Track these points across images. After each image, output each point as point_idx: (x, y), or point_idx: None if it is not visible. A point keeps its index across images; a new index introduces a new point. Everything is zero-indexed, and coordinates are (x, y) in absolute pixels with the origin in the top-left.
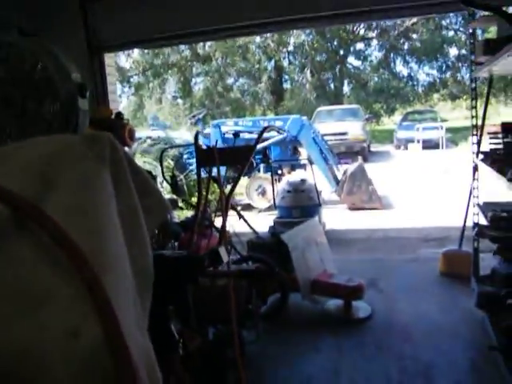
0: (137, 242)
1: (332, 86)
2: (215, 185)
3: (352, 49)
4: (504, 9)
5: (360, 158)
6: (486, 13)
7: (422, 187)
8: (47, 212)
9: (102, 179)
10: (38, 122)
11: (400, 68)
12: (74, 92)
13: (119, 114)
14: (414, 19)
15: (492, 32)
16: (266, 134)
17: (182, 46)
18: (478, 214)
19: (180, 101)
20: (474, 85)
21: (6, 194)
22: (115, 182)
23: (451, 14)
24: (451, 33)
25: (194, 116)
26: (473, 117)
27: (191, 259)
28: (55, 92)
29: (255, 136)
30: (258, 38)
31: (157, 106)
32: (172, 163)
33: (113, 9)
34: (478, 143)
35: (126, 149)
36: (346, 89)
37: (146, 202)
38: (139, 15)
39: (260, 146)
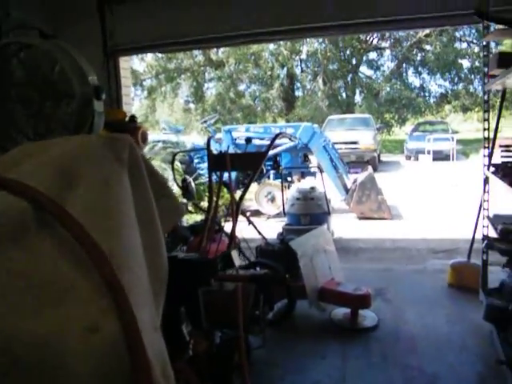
0: (153, 242)
1: (344, 94)
2: (225, 190)
3: (364, 58)
4: None
5: (370, 167)
6: (501, 26)
7: (432, 198)
8: (68, 210)
9: (121, 180)
10: (54, 122)
11: (412, 79)
12: (90, 94)
13: (133, 117)
14: (427, 30)
15: (507, 44)
16: (276, 141)
17: (196, 52)
18: (487, 227)
19: (192, 105)
20: (486, 97)
21: (30, 192)
22: (133, 184)
23: (465, 27)
24: (464, 45)
25: (205, 121)
26: (485, 129)
27: (205, 262)
28: (72, 93)
29: (266, 142)
30: (271, 46)
31: (169, 110)
32: (181, 167)
33: (129, 13)
34: (490, 156)
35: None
36: (357, 98)
37: (161, 204)
38: (155, 20)
39: (271, 152)
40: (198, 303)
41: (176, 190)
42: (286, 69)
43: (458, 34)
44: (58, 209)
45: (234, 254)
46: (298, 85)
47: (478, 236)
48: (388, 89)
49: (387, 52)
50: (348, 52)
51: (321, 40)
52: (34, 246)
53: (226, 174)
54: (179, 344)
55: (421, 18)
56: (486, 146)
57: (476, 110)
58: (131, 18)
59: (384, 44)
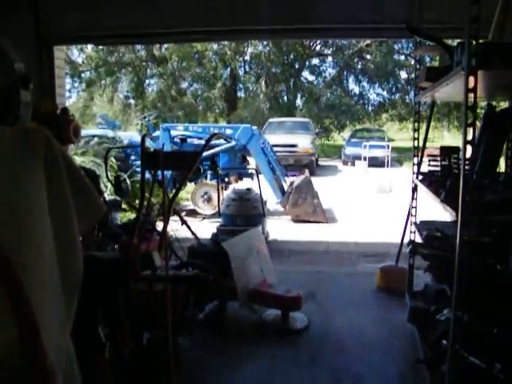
0: (66, 241)
1: (285, 98)
2: (160, 188)
3: (307, 63)
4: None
5: (307, 171)
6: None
7: (366, 203)
8: None
9: (33, 174)
10: None
11: (352, 86)
12: (16, 83)
13: (65, 110)
14: (368, 41)
15: (436, 60)
16: (216, 142)
17: (138, 46)
18: (414, 232)
19: (132, 101)
20: (417, 108)
21: None
22: (49, 179)
23: (403, 40)
24: (402, 57)
25: (144, 117)
26: (415, 139)
27: (122, 262)
28: None
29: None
30: (215, 45)
31: (108, 105)
32: (116, 163)
33: (65, 0)
34: (419, 164)
35: (71, 146)
36: (298, 102)
37: (80, 202)
38: (93, 10)
39: (208, 152)
40: (117, 304)
41: (110, 187)
42: (229, 69)
43: (396, 47)
44: None
45: (155, 254)
46: (241, 86)
47: (407, 241)
48: (329, 95)
49: (329, 59)
50: (291, 56)
51: (265, 43)
52: None
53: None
54: (95, 346)
55: (356, 29)
56: (416, 154)
57: (411, 119)
58: (67, 6)
59: (327, 51)
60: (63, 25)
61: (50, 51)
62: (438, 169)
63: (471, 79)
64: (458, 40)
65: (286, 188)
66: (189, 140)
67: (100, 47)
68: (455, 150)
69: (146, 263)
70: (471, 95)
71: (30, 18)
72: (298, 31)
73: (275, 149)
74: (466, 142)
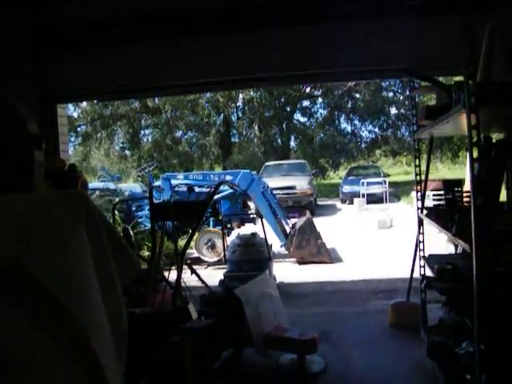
0: (112, 300)
1: (279, 141)
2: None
3: (299, 105)
4: (442, 79)
5: (308, 212)
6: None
7: (369, 240)
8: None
9: (80, 238)
10: None
11: (344, 125)
12: (30, 144)
13: (73, 166)
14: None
15: (427, 97)
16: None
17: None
18: (424, 267)
19: (128, 152)
20: (417, 145)
21: None
22: (90, 239)
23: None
24: (391, 94)
25: (143, 168)
26: (417, 174)
27: (162, 318)
28: (11, 145)
29: (205, 190)
30: (208, 93)
31: (104, 157)
32: (119, 215)
33: (67, 59)
34: (422, 199)
35: None
36: (292, 144)
37: (119, 259)
38: (92, 68)
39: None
40: (154, 360)
41: None
42: (222, 116)
43: (384, 84)
44: (21, 273)
45: (191, 307)
46: (235, 131)
47: (416, 275)
48: (322, 135)
49: (320, 100)
50: (282, 99)
51: (256, 89)
52: None
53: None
54: None
55: (353, 72)
56: (418, 189)
57: (404, 153)
58: (69, 66)
59: (316, 92)
60: (65, 83)
61: (54, 109)
62: (442, 202)
63: (473, 117)
64: (456, 78)
65: (288, 230)
66: None
67: (95, 101)
68: (458, 183)
69: (182, 317)
70: (474, 131)
71: (32, 77)
72: (299, 77)
73: (274, 192)
74: (473, 176)
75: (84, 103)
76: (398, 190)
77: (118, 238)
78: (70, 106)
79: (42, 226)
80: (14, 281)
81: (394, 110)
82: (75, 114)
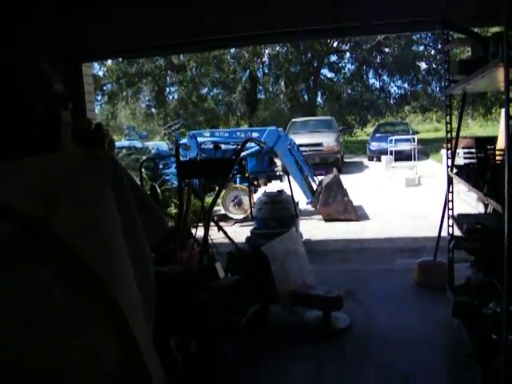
0: (140, 259)
1: (306, 97)
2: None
3: (326, 61)
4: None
5: (335, 169)
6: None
7: (396, 198)
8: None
9: (107, 198)
10: (17, 134)
11: (372, 80)
12: (56, 104)
13: (99, 125)
14: None
15: (458, 52)
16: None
17: None
18: (452, 226)
19: (154, 110)
20: (448, 102)
21: (16, 214)
22: (117, 199)
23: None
24: (421, 48)
25: (169, 126)
26: (447, 132)
27: (190, 277)
28: (38, 105)
29: (231, 147)
30: (232, 49)
31: (130, 116)
32: (146, 173)
33: (92, 18)
34: (453, 157)
35: None
36: (319, 100)
37: (144, 218)
38: (117, 25)
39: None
40: (182, 318)
41: None
42: (248, 72)
43: (414, 37)
44: (47, 231)
45: (218, 266)
46: (261, 88)
47: (443, 234)
48: (349, 91)
49: (347, 55)
50: (309, 55)
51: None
52: (24, 272)
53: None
54: (168, 360)
55: (382, 25)
56: (449, 147)
57: (434, 110)
58: (94, 23)
59: (344, 47)
60: (89, 41)
61: (79, 68)
62: (473, 161)
63: (511, 71)
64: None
65: (314, 187)
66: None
67: (120, 59)
68: (491, 140)
69: (210, 275)
70: None
71: (57, 36)
72: (332, 31)
73: (300, 149)
74: (509, 134)
75: (109, 62)
76: (427, 148)
77: (145, 197)
78: (96, 65)
79: (69, 186)
80: (41, 240)
81: (424, 65)
82: (101, 73)
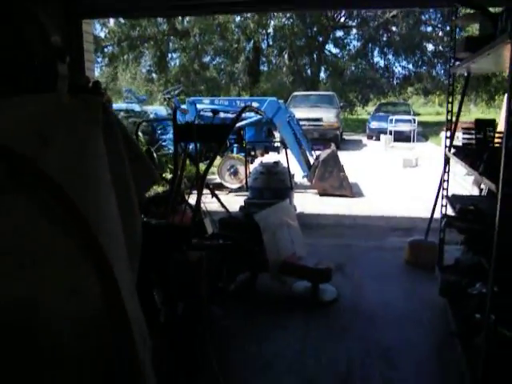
0: (127, 206)
1: (309, 71)
2: (188, 162)
3: (331, 36)
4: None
5: (333, 144)
6: (468, 11)
7: (392, 177)
8: (44, 170)
9: (96, 142)
10: (12, 84)
11: (377, 59)
12: (53, 56)
13: (97, 83)
14: (395, 11)
15: (469, 31)
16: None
17: (160, 20)
18: (446, 206)
19: (155, 75)
20: (451, 80)
21: (5, 151)
22: (107, 146)
23: (431, 10)
24: (429, 29)
25: (169, 92)
26: (448, 111)
27: (178, 228)
28: (33, 54)
29: (231, 115)
30: (237, 18)
31: (131, 79)
32: (143, 137)
33: None
34: (451, 137)
35: None
36: (322, 75)
37: (134, 167)
38: None
39: (235, 125)
40: (167, 270)
41: None
42: (252, 42)
43: (423, 17)
44: (35, 169)
45: (207, 221)
46: (264, 59)
47: (436, 216)
48: (353, 68)
49: (354, 31)
50: (315, 29)
51: (288, 15)
52: (11, 207)
53: (190, 146)
54: (151, 310)
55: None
56: (449, 127)
57: (437, 93)
58: None
59: (351, 23)
60: None
61: (79, 25)
62: (472, 142)
63: None
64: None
65: (311, 162)
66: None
67: (122, 21)
68: (491, 122)
69: (198, 230)
70: None
71: None
72: (332, 2)
73: (300, 123)
74: (510, 114)
75: (111, 23)
76: (427, 131)
77: (137, 147)
78: (97, 26)
79: (58, 126)
80: (27, 177)
81: (430, 47)
82: (102, 35)
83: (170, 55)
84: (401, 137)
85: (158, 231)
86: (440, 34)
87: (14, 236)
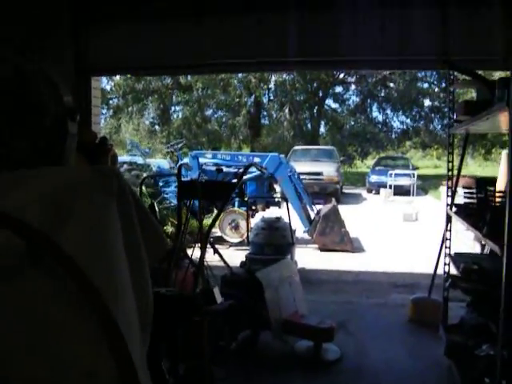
0: (140, 278)
1: (309, 125)
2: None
3: (331, 91)
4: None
5: (333, 199)
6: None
7: (392, 232)
8: (61, 246)
9: (112, 214)
10: (23, 140)
11: (376, 114)
12: (65, 116)
13: (104, 139)
14: None
15: (463, 91)
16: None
17: None
18: (448, 264)
19: (157, 128)
20: (451, 140)
21: (21, 227)
22: (121, 216)
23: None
24: (426, 85)
25: (172, 145)
26: (449, 170)
27: (186, 299)
28: (46, 115)
29: (232, 170)
30: (240, 74)
31: (134, 131)
32: (146, 191)
33: (104, 33)
34: (453, 195)
35: None
36: (322, 129)
37: (146, 236)
38: (129, 42)
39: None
40: (176, 339)
41: None
42: (253, 97)
43: (419, 75)
44: (53, 247)
45: (216, 290)
46: (265, 113)
47: (439, 272)
48: (352, 122)
49: (353, 87)
50: (315, 84)
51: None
52: (27, 285)
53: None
54: (159, 382)
55: (387, 61)
56: (449, 185)
57: (435, 147)
58: (106, 38)
59: (350, 79)
60: (100, 55)
61: (88, 81)
62: (473, 201)
63: None
64: (498, 73)
65: (312, 216)
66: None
67: (128, 75)
68: (491, 181)
69: (207, 299)
70: None
71: (68, 48)
72: (324, 63)
73: (300, 177)
74: None
75: (117, 76)
76: (426, 184)
77: (148, 215)
78: (104, 79)
79: (76, 201)
80: (44, 253)
81: (427, 102)
82: (108, 87)
83: (173, 108)
84: (400, 191)
85: (168, 301)
86: (436, 90)
87: (29, 317)
